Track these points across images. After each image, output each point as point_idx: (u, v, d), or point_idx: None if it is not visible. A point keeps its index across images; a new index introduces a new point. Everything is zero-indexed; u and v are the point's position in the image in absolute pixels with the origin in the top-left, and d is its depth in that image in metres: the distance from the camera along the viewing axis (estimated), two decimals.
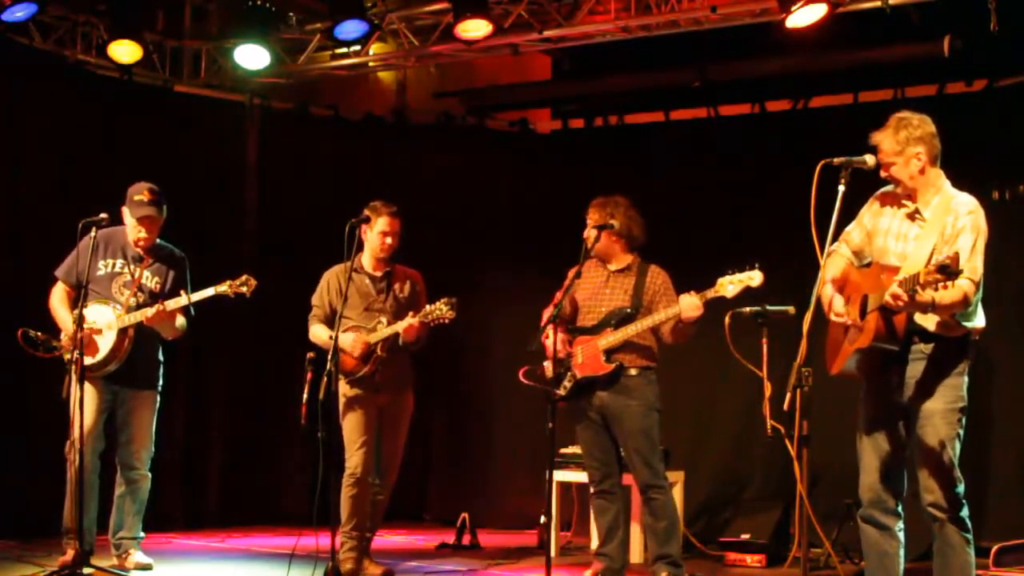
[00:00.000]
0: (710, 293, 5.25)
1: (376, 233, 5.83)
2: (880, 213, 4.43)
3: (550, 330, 5.46)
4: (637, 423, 5.50)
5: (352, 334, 5.76)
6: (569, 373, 5.60)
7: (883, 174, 4.33)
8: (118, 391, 5.98)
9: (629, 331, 5.48)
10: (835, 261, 4.47)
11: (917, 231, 4.27)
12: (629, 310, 5.53)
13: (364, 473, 5.77)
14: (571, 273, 5.67)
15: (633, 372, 5.52)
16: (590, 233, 5.56)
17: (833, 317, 4.35)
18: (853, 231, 4.50)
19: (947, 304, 4.01)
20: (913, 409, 4.26)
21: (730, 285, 5.21)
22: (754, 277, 5.18)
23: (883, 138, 4.30)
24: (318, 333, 5.90)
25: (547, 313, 5.76)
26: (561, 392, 5.60)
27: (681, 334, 5.46)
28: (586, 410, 5.61)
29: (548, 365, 5.66)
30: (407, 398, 6.01)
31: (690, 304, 5.26)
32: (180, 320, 6.01)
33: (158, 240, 6.10)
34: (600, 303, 5.63)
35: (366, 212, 5.83)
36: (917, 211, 4.30)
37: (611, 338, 5.51)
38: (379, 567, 5.94)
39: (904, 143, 4.25)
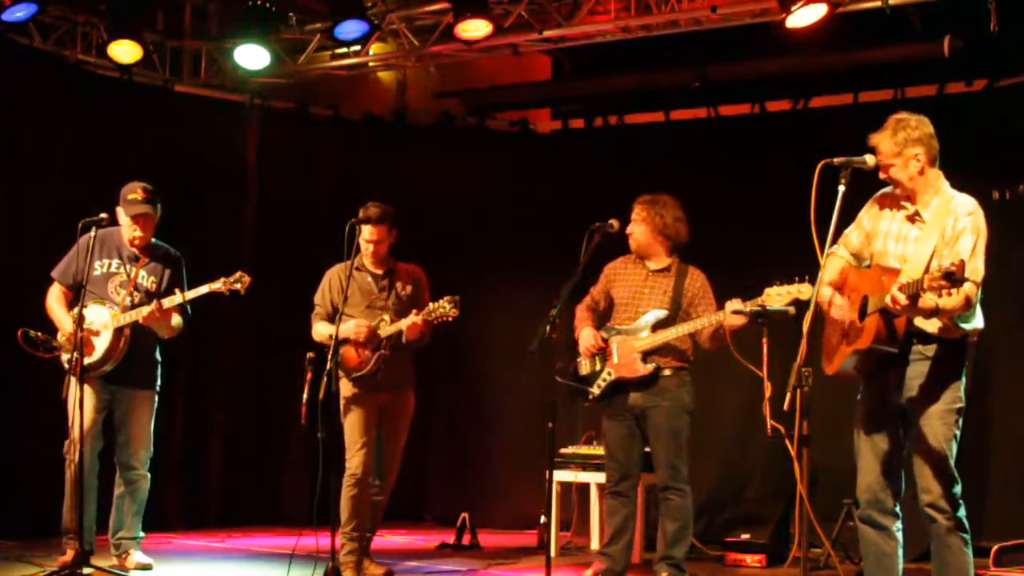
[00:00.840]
0: (756, 302, 5.22)
1: (363, 240, 5.82)
2: (879, 215, 4.43)
3: (579, 324, 5.54)
4: (666, 423, 5.51)
5: (353, 321, 5.74)
6: (605, 371, 5.59)
7: (882, 175, 4.33)
8: (116, 391, 5.98)
9: (670, 334, 5.48)
10: (833, 263, 4.46)
11: (917, 233, 4.27)
12: (666, 312, 5.53)
13: (364, 473, 5.77)
14: (606, 269, 5.75)
15: (667, 373, 5.53)
16: (636, 227, 5.58)
17: (834, 312, 4.34)
18: (852, 233, 4.50)
19: (950, 308, 4.00)
20: (911, 410, 4.26)
21: (778, 296, 5.17)
22: (803, 290, 5.08)
23: (881, 139, 4.29)
24: (321, 330, 5.90)
25: (578, 308, 5.75)
26: (595, 391, 5.60)
27: (720, 340, 5.44)
28: (618, 410, 5.61)
29: (582, 362, 5.66)
30: (408, 397, 6.01)
31: (735, 313, 5.25)
32: (176, 319, 6.01)
33: (154, 239, 6.10)
34: (638, 302, 5.62)
35: (361, 213, 5.82)
36: (917, 213, 4.30)
37: (650, 340, 5.50)
38: (379, 567, 5.93)
39: (903, 144, 4.25)
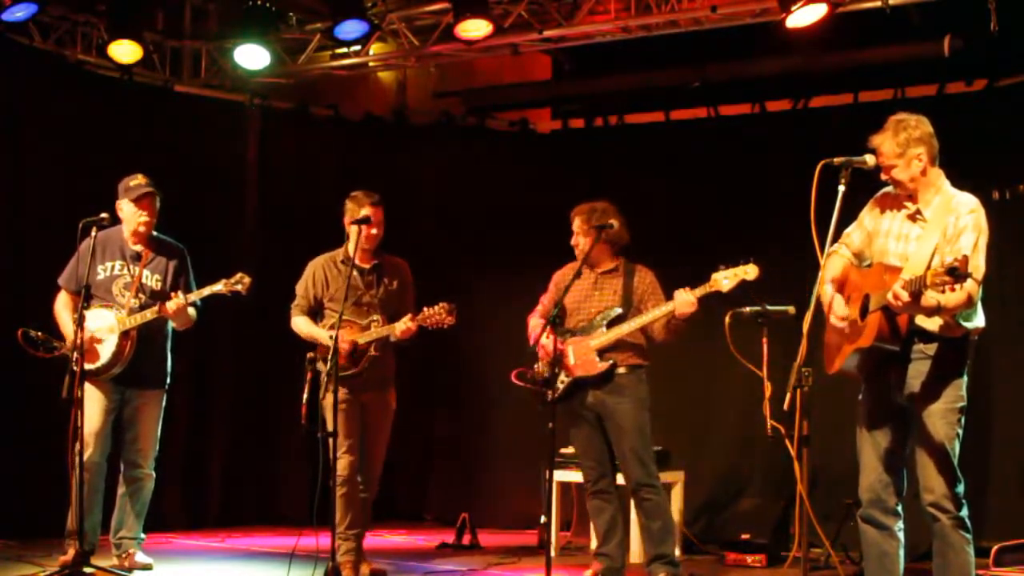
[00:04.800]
0: (705, 288, 5.25)
1: (363, 226, 5.71)
2: (880, 215, 4.43)
3: (547, 332, 5.48)
4: (631, 420, 5.51)
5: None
6: (563, 374, 5.60)
7: (884, 177, 4.33)
8: (126, 391, 5.99)
9: (623, 329, 5.50)
10: (835, 261, 4.46)
11: (918, 231, 4.27)
12: (619, 310, 5.54)
13: (351, 474, 5.72)
14: (556, 277, 5.79)
15: (623, 370, 5.54)
16: (580, 238, 5.60)
17: (834, 320, 4.34)
18: (853, 233, 4.50)
19: (952, 306, 4.01)
20: (913, 409, 4.26)
21: (725, 280, 5.21)
22: (749, 271, 5.17)
23: (882, 140, 4.29)
24: (300, 325, 5.89)
25: (530, 318, 5.78)
26: (555, 393, 5.60)
27: (674, 331, 5.46)
28: (579, 410, 5.62)
29: (540, 366, 5.67)
30: (390, 395, 5.97)
31: (684, 300, 5.27)
32: (191, 311, 6.04)
33: (155, 233, 6.11)
34: (589, 305, 5.65)
35: (348, 203, 5.77)
36: (918, 212, 4.30)
37: (604, 337, 5.52)
38: (368, 565, 5.91)
39: (904, 145, 4.25)
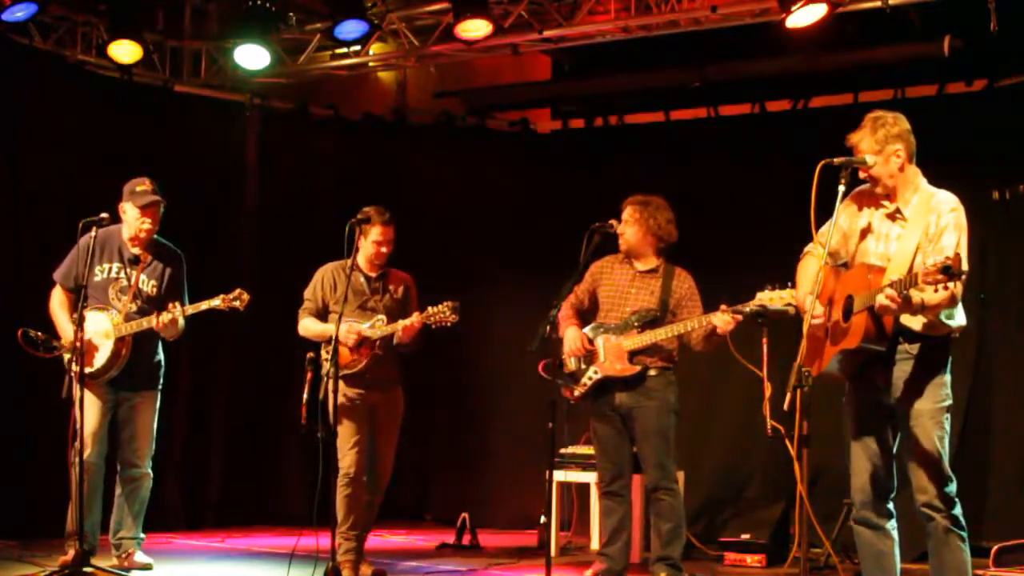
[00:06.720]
0: (748, 306, 5.23)
1: (370, 242, 5.80)
2: (857, 214, 4.41)
3: (563, 322, 5.54)
4: (654, 423, 5.52)
5: (345, 324, 5.73)
6: (591, 370, 5.59)
7: (862, 175, 4.32)
8: (120, 393, 5.99)
9: (659, 335, 5.49)
10: (810, 263, 4.46)
11: (899, 231, 4.26)
12: (656, 312, 5.54)
13: (357, 472, 5.75)
14: (593, 268, 5.73)
15: (653, 373, 5.54)
16: (627, 228, 5.60)
17: (812, 320, 4.32)
18: (828, 232, 4.46)
19: (936, 304, 4.00)
20: (901, 409, 4.25)
21: (770, 300, 5.17)
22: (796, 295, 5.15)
23: (860, 138, 4.29)
24: (308, 326, 5.90)
25: (563, 307, 5.75)
26: (581, 389, 5.61)
27: (712, 343, 5.47)
28: (604, 410, 5.61)
29: (568, 360, 5.66)
30: (398, 396, 5.99)
31: (725, 320, 5.27)
32: (180, 322, 6.03)
33: (156, 236, 6.11)
34: (625, 302, 5.63)
35: (374, 214, 5.81)
36: (897, 210, 4.29)
37: (637, 340, 5.51)
38: (369, 565, 5.92)
39: (883, 142, 4.24)
